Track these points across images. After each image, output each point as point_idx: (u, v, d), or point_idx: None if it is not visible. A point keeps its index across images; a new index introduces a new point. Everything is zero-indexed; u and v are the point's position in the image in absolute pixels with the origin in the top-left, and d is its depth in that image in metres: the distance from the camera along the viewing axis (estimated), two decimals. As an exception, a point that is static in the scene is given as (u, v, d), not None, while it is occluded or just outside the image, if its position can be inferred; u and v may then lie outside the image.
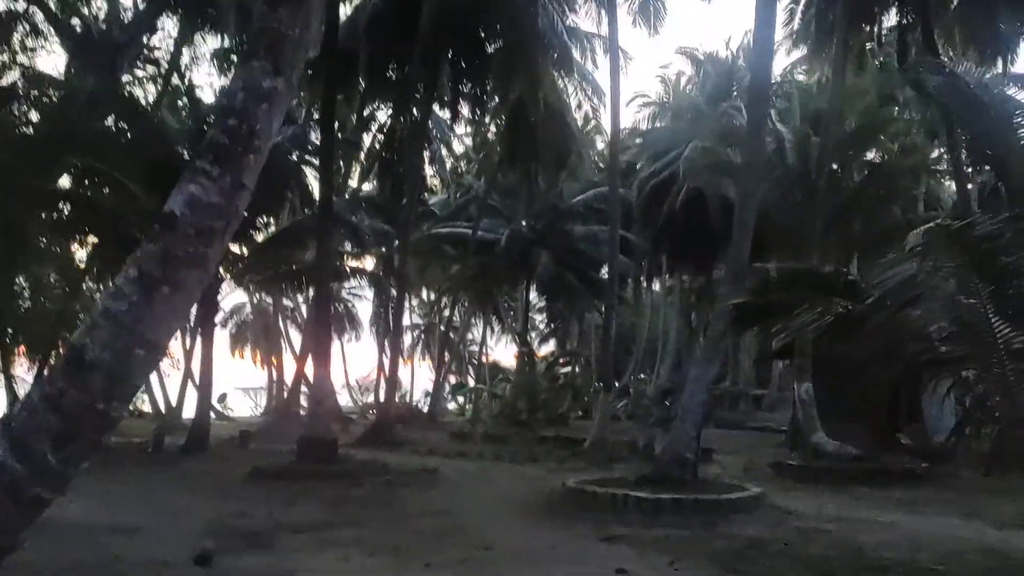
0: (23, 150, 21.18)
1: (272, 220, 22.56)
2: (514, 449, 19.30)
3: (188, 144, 18.32)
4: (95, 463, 12.20)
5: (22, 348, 27.77)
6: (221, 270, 18.63)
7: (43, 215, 19.98)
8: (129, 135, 19.83)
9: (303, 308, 35.06)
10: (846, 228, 21.17)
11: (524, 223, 34.26)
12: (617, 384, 33.63)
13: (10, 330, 27.37)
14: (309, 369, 22.56)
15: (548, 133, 28.32)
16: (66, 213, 20.47)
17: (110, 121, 20.74)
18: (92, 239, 21.92)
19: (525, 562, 7.16)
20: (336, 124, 22.28)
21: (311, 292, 23.38)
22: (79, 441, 3.15)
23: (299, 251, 20.16)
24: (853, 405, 16.57)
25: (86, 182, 20.81)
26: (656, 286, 45.20)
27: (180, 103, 21.71)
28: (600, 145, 44.30)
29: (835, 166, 20.83)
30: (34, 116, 25.95)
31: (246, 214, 16.70)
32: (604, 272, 36.71)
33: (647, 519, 9.00)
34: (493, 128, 32.52)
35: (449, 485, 13.04)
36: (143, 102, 22.59)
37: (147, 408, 40.44)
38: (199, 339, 20.60)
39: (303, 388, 28.22)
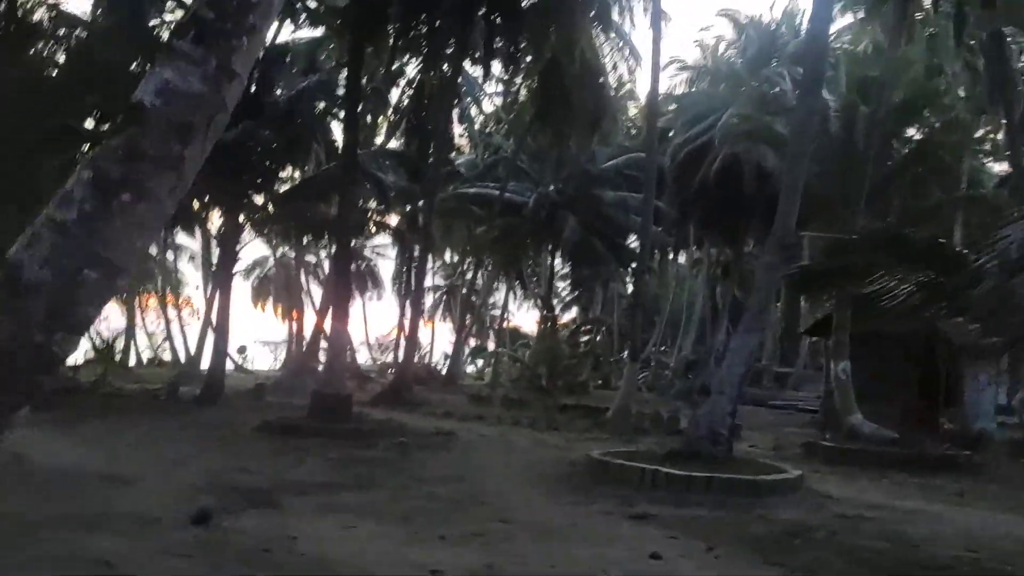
0: (46, 89, 20.76)
1: (298, 173, 22.06)
2: (534, 415, 18.78)
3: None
4: (104, 409, 11.86)
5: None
6: (241, 218, 18.15)
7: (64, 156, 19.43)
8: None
9: (325, 263, 34.65)
10: (886, 202, 20.31)
11: (552, 187, 33.50)
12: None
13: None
14: (329, 325, 22.14)
15: (582, 95, 27.46)
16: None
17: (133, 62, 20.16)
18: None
19: (546, 539, 6.57)
20: (364, 76, 21.69)
21: (333, 246, 22.89)
22: (12, 383, 2.54)
23: (322, 203, 19.59)
24: (889, 386, 15.87)
25: (107, 124, 20.29)
26: (682, 258, 44.42)
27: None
28: (633, 111, 43.39)
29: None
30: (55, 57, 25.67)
31: (268, 163, 16.27)
32: (632, 241, 36.12)
33: (677, 497, 8.37)
34: (525, 88, 31.65)
35: (466, 450, 12.48)
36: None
37: (167, 357, 40.57)
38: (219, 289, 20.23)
39: (322, 343, 27.83)
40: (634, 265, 32.44)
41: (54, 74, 22.76)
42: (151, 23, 20.94)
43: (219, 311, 18.95)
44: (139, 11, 19.51)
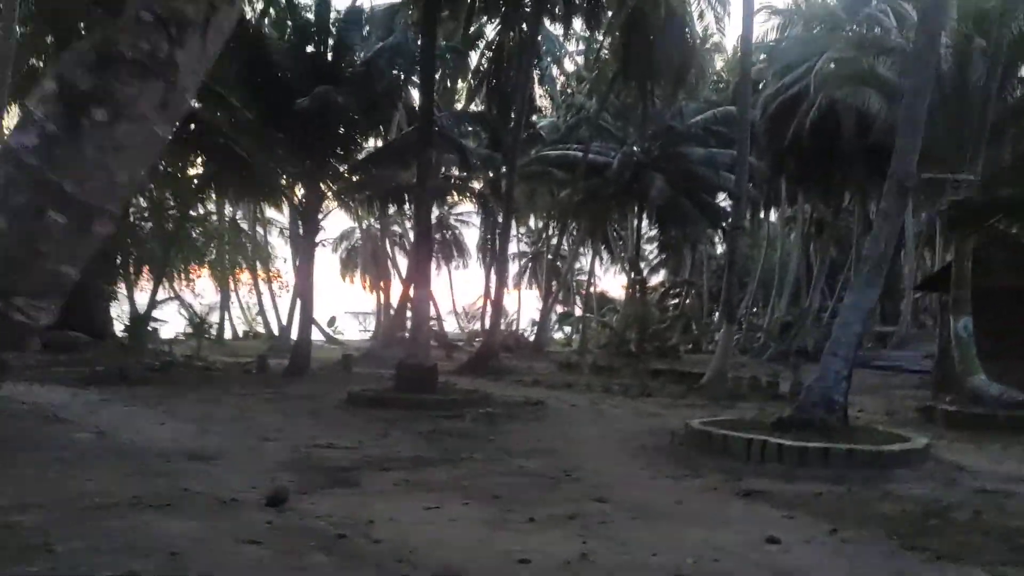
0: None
1: (379, 141, 21.74)
2: (625, 382, 18.14)
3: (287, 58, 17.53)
4: (195, 384, 11.76)
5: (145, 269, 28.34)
6: (322, 187, 17.92)
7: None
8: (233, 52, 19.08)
9: (411, 233, 34.47)
10: (999, 146, 18.67)
11: (637, 146, 32.43)
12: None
13: (132, 252, 27.96)
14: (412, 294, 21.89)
15: (666, 47, 26.39)
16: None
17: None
18: (200, 158, 21.60)
19: (646, 521, 5.94)
20: (441, 38, 21.12)
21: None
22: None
23: (402, 169, 19.18)
24: (1015, 344, 14.58)
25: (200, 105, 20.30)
26: (773, 216, 42.74)
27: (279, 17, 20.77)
28: (720, 63, 41.70)
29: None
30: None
31: (346, 130, 15.86)
32: (721, 199, 34.78)
33: (790, 471, 7.62)
34: (607, 44, 30.61)
35: (556, 420, 11.94)
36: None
37: (262, 329, 41.38)
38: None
39: (408, 312, 27.71)
40: (726, 224, 31.25)
41: None
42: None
43: (303, 282, 18.84)
44: None
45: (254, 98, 16.91)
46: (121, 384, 14.53)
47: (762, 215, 42.74)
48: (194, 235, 34.84)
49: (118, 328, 23.84)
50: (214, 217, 37.85)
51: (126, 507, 5.71)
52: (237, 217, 42.38)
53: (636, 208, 34.52)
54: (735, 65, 37.51)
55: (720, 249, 42.34)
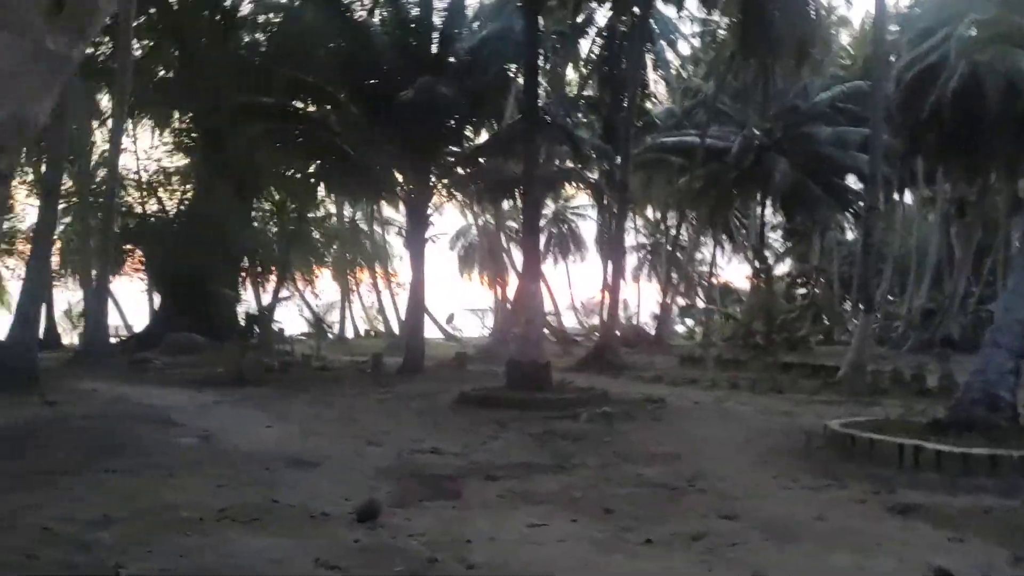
0: (245, 69, 21.46)
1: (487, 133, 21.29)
2: (752, 376, 17.04)
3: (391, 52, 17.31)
4: (309, 384, 11.58)
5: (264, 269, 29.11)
6: (430, 180, 17.63)
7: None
8: (340, 49, 19.03)
9: (525, 227, 34.03)
10: None
11: (758, 128, 30.85)
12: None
13: (257, 253, 28.78)
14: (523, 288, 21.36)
15: (787, 21, 24.91)
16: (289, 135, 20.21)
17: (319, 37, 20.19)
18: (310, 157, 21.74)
19: (786, 542, 5.12)
20: (549, 24, 20.54)
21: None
22: None
23: (510, 160, 18.67)
24: None
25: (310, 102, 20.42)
26: (908, 197, 40.00)
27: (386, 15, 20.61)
28: (846, 39, 39.43)
29: None
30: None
31: (452, 121, 15.48)
32: (852, 181, 32.70)
33: (951, 482, 6.59)
34: (724, 22, 29.28)
35: (679, 419, 11.11)
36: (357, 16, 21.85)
37: (381, 327, 41.97)
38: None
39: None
40: (857, 207, 29.34)
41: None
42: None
43: (414, 278, 18.60)
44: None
45: (359, 93, 16.77)
46: (238, 385, 14.63)
47: (896, 196, 40.11)
48: (315, 236, 35.75)
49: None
50: (334, 219, 38.74)
51: (211, 522, 5.34)
52: (356, 218, 43.26)
53: (759, 194, 32.91)
54: (863, 38, 35.45)
55: (851, 234, 40.01)
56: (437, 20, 17.67)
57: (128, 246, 27.44)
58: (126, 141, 31.08)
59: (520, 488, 6.74)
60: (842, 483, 6.74)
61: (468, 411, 11.64)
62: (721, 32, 30.14)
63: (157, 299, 29.19)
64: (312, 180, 23.46)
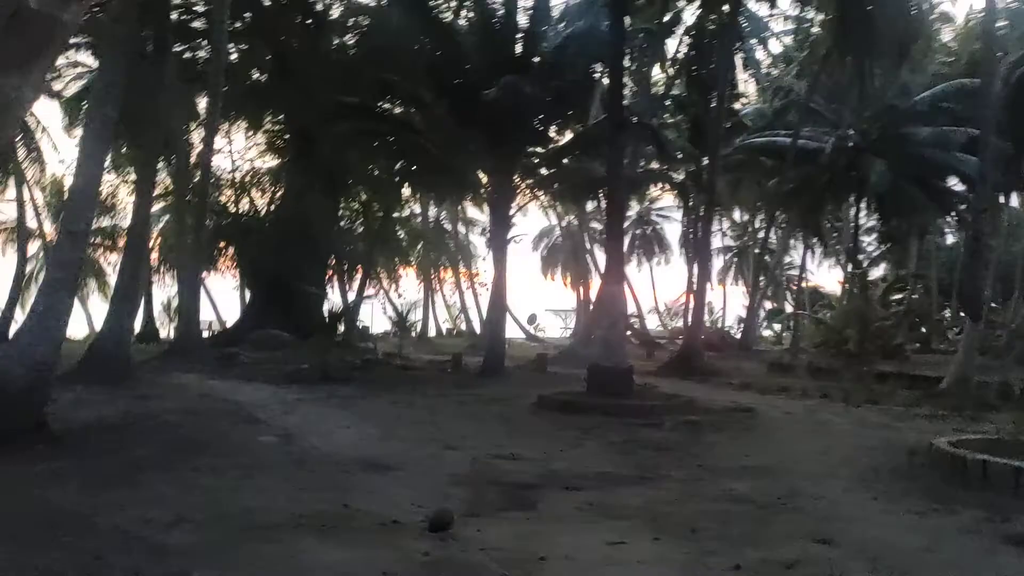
0: (334, 70, 21.80)
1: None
2: (845, 386, 16.32)
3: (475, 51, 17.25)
4: (391, 383, 11.56)
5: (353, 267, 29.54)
6: (513, 179, 17.51)
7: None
8: (426, 50, 19.04)
9: (608, 228, 33.62)
10: None
11: (853, 129, 29.69)
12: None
13: (344, 251, 29.26)
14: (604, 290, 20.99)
15: (886, 17, 23.84)
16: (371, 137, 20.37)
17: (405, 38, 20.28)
18: (397, 160, 21.90)
19: (890, 574, 4.73)
20: (636, 22, 20.16)
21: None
22: None
23: (594, 160, 18.37)
24: None
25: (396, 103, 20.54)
26: (1015, 200, 37.93)
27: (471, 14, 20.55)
28: (947, 35, 37.69)
29: None
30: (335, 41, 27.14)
31: (536, 121, 15.30)
32: (955, 183, 31.17)
33: (1075, 511, 6.04)
34: (819, 19, 28.30)
35: (769, 431, 10.64)
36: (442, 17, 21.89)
37: (464, 326, 42.19)
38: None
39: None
40: (959, 210, 27.94)
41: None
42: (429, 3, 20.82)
43: (495, 278, 18.49)
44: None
45: (443, 93, 16.74)
46: (322, 382, 14.75)
47: (1001, 199, 38.10)
48: (399, 235, 36.12)
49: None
50: (419, 219, 39.11)
51: (283, 529, 5.25)
52: (441, 218, 43.60)
53: (853, 196, 31.71)
54: (967, 34, 33.79)
55: (951, 239, 38.24)
56: (522, 19, 17.52)
57: (221, 243, 28.25)
58: (222, 142, 32.19)
59: (600, 501, 6.47)
60: (951, 509, 6.23)
61: (548, 416, 11.42)
62: (815, 30, 29.09)
63: (248, 295, 29.86)
64: (397, 179, 23.62)
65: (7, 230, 32.46)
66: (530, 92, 14.78)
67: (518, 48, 17.27)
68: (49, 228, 35.01)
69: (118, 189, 29.79)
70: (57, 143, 31.58)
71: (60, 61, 30.61)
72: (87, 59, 29.79)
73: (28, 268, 37.91)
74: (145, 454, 7.78)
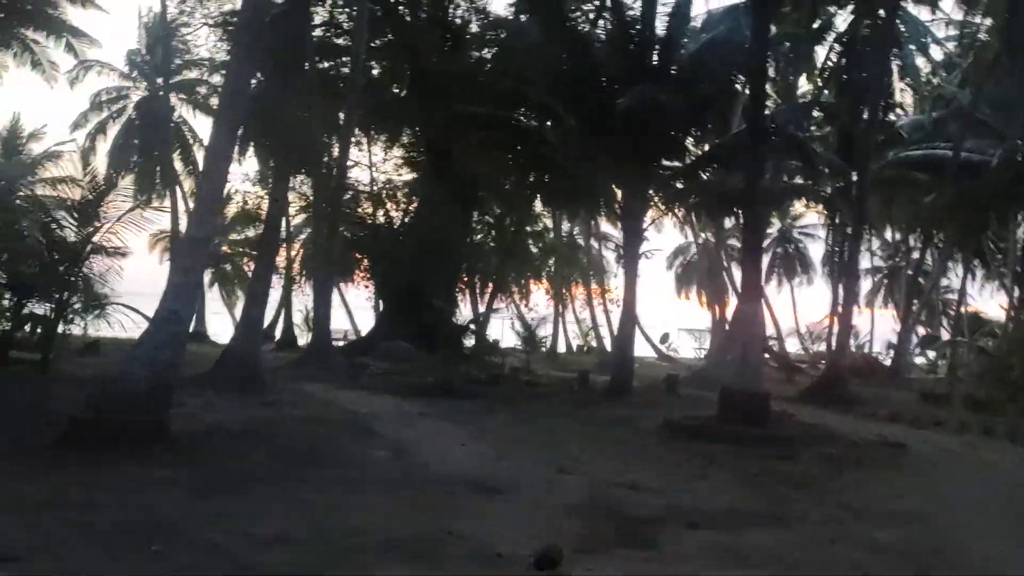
0: (470, 83, 21.93)
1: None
2: (1011, 421, 14.73)
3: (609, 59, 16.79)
4: (513, 401, 11.22)
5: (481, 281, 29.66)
6: (646, 193, 16.91)
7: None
8: (560, 60, 18.73)
9: (747, 245, 32.29)
10: None
11: (1022, 140, 27.32)
12: None
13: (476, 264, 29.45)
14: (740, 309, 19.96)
15: (1063, 20, 21.79)
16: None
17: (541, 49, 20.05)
18: (528, 172, 21.71)
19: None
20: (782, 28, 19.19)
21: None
22: None
23: (733, 173, 17.49)
24: None
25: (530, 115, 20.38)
26: None
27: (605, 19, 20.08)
28: None
29: None
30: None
31: (671, 131, 14.65)
32: None
33: None
34: (986, 22, 26.29)
35: (921, 470, 9.61)
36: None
37: (594, 343, 41.56)
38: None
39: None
40: None
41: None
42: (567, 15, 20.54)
43: (626, 295, 17.88)
44: (555, 10, 19.09)
45: (575, 103, 16.35)
46: (445, 396, 14.60)
47: None
48: (531, 249, 36.00)
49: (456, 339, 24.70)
50: (551, 234, 38.91)
51: (378, 552, 4.98)
52: (574, 232, 43.24)
53: (1021, 215, 29.20)
54: None
55: None
56: (659, 26, 16.89)
57: (357, 255, 28.93)
58: (360, 155, 33.11)
59: (726, 541, 5.86)
60: None
61: (675, 442, 10.75)
62: (983, 35, 27.02)
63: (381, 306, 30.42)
64: (528, 192, 23.43)
65: (165, 238, 34.34)
66: (666, 101, 14.16)
67: (654, 56, 16.64)
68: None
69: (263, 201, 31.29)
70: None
71: (217, 79, 32.52)
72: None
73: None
74: (257, 463, 7.74)
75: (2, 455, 7.39)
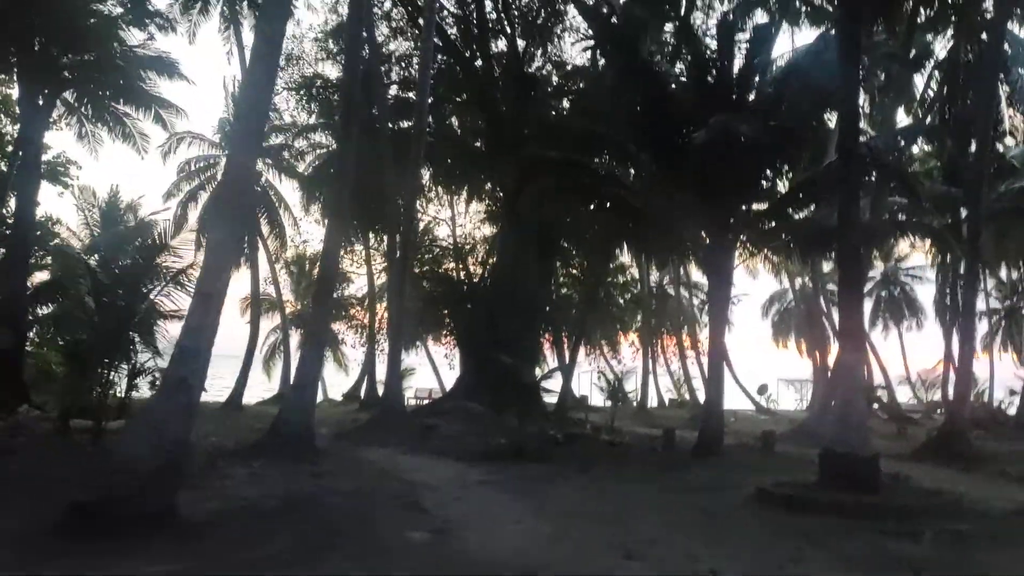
0: (545, 130, 21.25)
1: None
2: None
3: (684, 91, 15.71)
4: (587, 463, 9.89)
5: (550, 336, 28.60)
6: (729, 234, 15.56)
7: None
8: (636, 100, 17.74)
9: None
10: None
11: None
12: None
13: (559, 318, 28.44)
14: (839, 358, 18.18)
15: None
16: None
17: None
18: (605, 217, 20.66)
19: None
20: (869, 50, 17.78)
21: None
22: None
23: (827, 208, 16.00)
24: None
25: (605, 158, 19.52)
26: None
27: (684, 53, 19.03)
28: None
29: None
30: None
31: (755, 168, 13.32)
32: None
33: None
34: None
35: (1072, 549, 7.91)
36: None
37: (688, 396, 39.63)
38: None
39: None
40: None
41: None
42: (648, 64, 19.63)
43: (712, 342, 16.44)
44: (633, 54, 18.18)
45: (652, 142, 15.26)
46: (515, 460, 13.47)
47: None
48: (618, 300, 34.71)
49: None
50: (638, 285, 37.56)
51: None
52: (664, 282, 41.72)
53: None
54: None
55: None
56: (738, 58, 15.74)
57: (440, 311, 28.26)
58: (441, 211, 32.76)
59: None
60: None
61: (766, 514, 9.24)
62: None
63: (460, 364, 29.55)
64: (608, 239, 22.36)
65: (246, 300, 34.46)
66: (745, 131, 12.90)
67: (733, 90, 15.41)
68: (289, 297, 37.23)
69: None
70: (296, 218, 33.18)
71: (301, 143, 32.86)
72: (322, 139, 31.67)
73: (270, 340, 40.55)
74: (275, 551, 6.76)
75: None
